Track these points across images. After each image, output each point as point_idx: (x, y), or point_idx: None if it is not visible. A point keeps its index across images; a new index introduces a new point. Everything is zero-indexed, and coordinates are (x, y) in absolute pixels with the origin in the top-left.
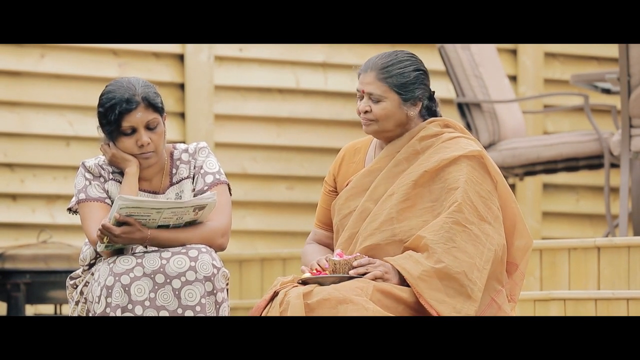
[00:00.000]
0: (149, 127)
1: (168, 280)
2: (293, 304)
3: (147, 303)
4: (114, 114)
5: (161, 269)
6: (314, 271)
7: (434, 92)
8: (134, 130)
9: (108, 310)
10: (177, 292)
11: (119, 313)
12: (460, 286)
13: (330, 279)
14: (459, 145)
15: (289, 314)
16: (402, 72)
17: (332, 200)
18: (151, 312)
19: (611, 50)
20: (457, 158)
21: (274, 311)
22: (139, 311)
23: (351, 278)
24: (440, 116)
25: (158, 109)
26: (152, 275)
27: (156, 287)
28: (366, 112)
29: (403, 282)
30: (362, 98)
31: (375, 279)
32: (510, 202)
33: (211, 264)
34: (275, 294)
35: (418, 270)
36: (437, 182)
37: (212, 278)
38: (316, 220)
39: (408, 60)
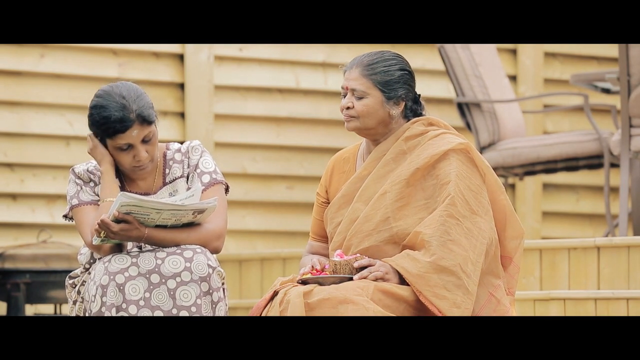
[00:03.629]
0: (144, 141)
1: (163, 280)
2: (293, 302)
3: (141, 302)
4: (107, 133)
5: (156, 269)
6: (314, 271)
7: (419, 94)
8: (130, 146)
9: (103, 309)
10: (172, 293)
11: (113, 312)
12: (457, 279)
13: (330, 279)
14: (446, 140)
15: (289, 312)
16: (386, 70)
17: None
18: (146, 312)
19: (611, 50)
20: (446, 152)
21: (273, 310)
22: (133, 310)
23: (351, 279)
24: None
25: (151, 122)
26: (147, 275)
27: (151, 287)
28: (348, 108)
29: (403, 281)
30: (345, 95)
31: (375, 279)
32: (499, 195)
33: (206, 264)
34: (275, 294)
35: (416, 268)
36: (428, 180)
37: (208, 278)
38: (311, 233)
39: (394, 60)
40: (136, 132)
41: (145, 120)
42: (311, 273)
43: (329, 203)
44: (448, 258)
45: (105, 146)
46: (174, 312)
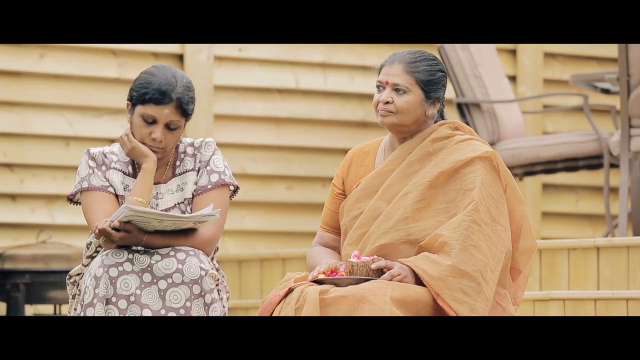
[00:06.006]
0: (168, 127)
1: (155, 280)
2: (309, 299)
3: (132, 299)
4: (142, 98)
5: (149, 269)
6: (328, 272)
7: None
8: (154, 121)
9: (95, 300)
10: (162, 293)
11: (103, 304)
12: (477, 285)
13: (347, 280)
14: (472, 147)
15: (305, 309)
16: (429, 70)
17: (340, 202)
18: (135, 309)
19: (611, 50)
20: (472, 159)
21: (288, 307)
22: (122, 305)
23: (368, 280)
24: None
25: (185, 114)
26: (140, 273)
27: (142, 285)
28: (387, 102)
29: (419, 284)
30: (382, 89)
31: (391, 279)
32: (518, 206)
33: (198, 266)
34: (290, 291)
35: (437, 271)
36: (452, 184)
37: (199, 280)
38: (322, 224)
39: (434, 60)
40: (167, 112)
41: (181, 108)
42: (324, 274)
43: (344, 194)
44: (469, 263)
45: (134, 125)
46: (162, 312)
